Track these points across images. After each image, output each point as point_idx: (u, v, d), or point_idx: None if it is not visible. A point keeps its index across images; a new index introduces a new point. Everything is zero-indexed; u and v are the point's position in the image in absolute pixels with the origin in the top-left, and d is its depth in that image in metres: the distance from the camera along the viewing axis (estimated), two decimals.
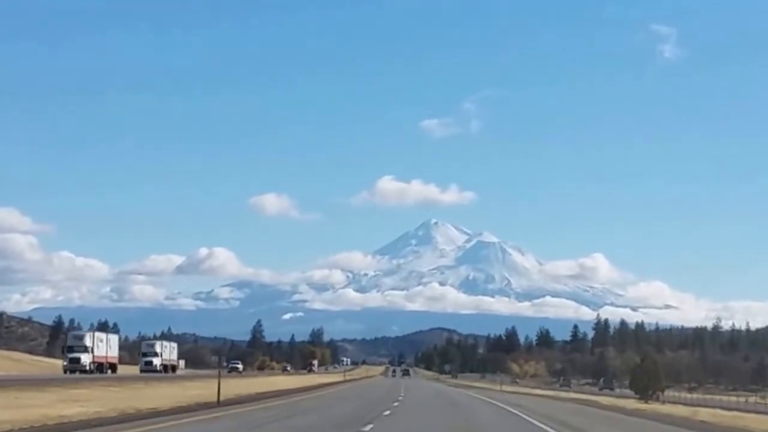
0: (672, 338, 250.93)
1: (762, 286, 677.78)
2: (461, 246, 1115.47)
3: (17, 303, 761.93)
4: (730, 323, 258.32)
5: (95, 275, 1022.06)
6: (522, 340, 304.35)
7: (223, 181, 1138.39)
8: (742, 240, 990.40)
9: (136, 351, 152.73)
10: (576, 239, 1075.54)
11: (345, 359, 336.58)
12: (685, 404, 73.08)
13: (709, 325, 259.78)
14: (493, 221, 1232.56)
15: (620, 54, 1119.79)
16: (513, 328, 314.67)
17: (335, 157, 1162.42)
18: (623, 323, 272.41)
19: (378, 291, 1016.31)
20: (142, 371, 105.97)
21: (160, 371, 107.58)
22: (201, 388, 40.08)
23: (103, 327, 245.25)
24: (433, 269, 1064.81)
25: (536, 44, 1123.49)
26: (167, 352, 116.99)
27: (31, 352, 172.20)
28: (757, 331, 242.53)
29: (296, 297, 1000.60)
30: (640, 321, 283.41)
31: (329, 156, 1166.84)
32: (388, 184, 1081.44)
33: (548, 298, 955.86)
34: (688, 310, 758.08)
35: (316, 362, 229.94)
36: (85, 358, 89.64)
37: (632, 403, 65.46)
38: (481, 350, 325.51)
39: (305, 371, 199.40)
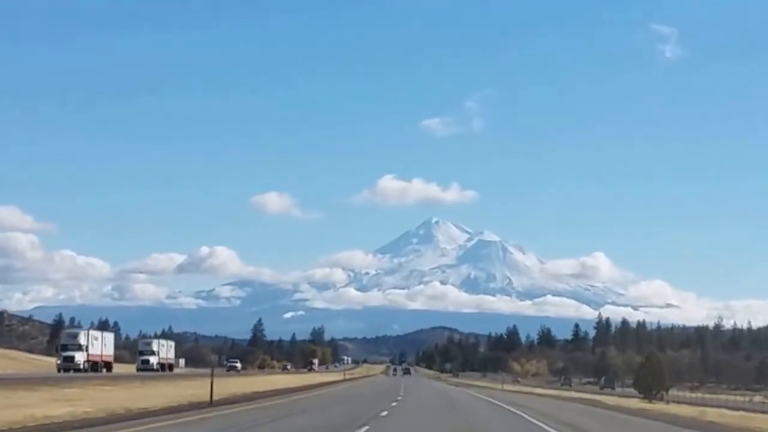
0: (673, 337, 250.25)
1: (763, 285, 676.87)
2: (462, 245, 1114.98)
3: (18, 302, 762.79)
4: (731, 322, 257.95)
5: (96, 274, 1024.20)
6: (523, 339, 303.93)
7: (224, 180, 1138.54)
8: (744, 239, 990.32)
9: (136, 350, 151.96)
10: (577, 238, 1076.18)
11: (346, 358, 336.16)
12: (689, 404, 72.18)
13: (711, 324, 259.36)
14: (494, 220, 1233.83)
15: (621, 54, 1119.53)
16: (514, 326, 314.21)
17: (336, 156, 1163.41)
18: (625, 322, 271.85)
19: (379, 290, 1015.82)
20: (138, 370, 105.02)
21: (156, 370, 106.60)
22: (197, 388, 39.30)
23: (104, 326, 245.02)
24: (435, 268, 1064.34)
25: (537, 44, 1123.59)
26: (164, 350, 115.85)
27: (31, 351, 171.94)
28: (759, 330, 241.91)
29: (297, 296, 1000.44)
30: (641, 320, 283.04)
31: (330, 155, 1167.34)
32: (389, 182, 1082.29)
33: (549, 297, 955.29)
34: (689, 309, 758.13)
35: (316, 361, 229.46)
36: (80, 357, 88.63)
37: (636, 403, 64.46)
38: (482, 349, 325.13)
39: (306, 370, 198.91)
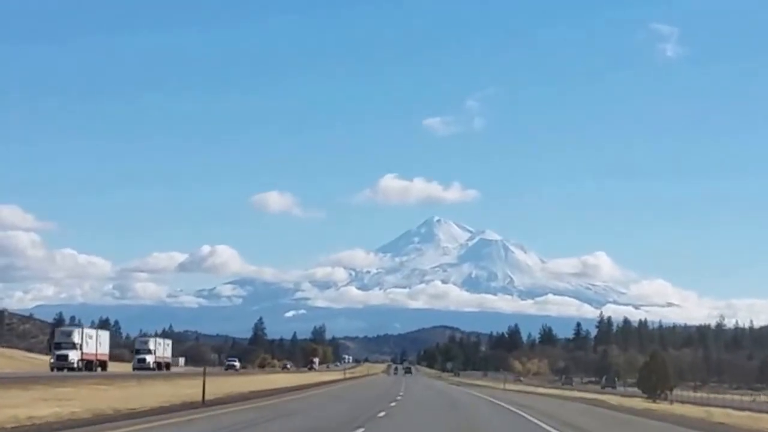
0: (675, 336, 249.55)
1: (765, 284, 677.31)
2: (464, 244, 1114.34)
3: (20, 300, 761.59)
4: (733, 321, 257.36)
5: (98, 273, 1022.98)
6: (524, 338, 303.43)
7: (226, 179, 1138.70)
8: (745, 238, 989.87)
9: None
10: (578, 237, 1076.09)
11: (347, 357, 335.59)
12: (694, 404, 71.23)
13: (713, 323, 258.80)
14: (495, 219, 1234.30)
15: (622, 53, 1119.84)
16: (515, 325, 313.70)
17: (338, 155, 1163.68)
18: (626, 321, 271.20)
19: (380, 289, 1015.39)
20: (135, 369, 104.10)
21: (153, 369, 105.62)
22: (193, 387, 38.52)
23: (105, 324, 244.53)
24: (436, 267, 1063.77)
25: (538, 43, 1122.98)
26: (161, 349, 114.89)
27: (31, 350, 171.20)
28: (761, 329, 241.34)
29: (299, 295, 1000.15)
30: (643, 319, 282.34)
31: (332, 154, 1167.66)
32: (390, 182, 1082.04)
33: (551, 296, 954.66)
34: (690, 308, 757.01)
35: (316, 360, 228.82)
36: (73, 356, 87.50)
37: (640, 403, 63.15)
38: (483, 348, 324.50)
39: (306, 369, 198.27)
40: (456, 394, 68.95)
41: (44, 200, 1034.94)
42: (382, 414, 34.26)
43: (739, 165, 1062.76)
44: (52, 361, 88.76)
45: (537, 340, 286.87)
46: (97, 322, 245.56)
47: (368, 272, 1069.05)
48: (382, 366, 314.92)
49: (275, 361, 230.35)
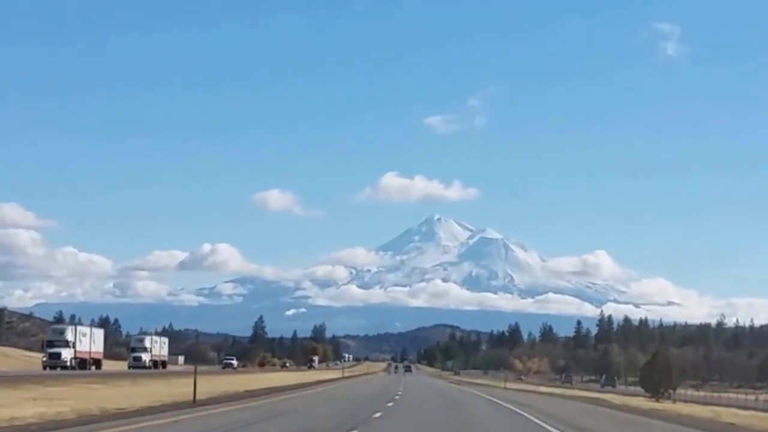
0: (675, 335, 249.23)
1: (765, 283, 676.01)
2: (464, 242, 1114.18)
3: (20, 299, 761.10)
4: (734, 320, 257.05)
5: (98, 271, 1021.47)
6: (525, 336, 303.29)
7: (227, 177, 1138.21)
8: (745, 237, 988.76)
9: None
10: (579, 236, 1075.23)
11: (347, 355, 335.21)
12: (697, 403, 70.46)
13: (713, 321, 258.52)
14: (496, 217, 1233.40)
15: (624, 52, 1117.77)
16: (516, 324, 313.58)
17: (339, 154, 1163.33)
18: (627, 320, 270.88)
19: (381, 287, 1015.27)
20: (130, 367, 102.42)
21: (149, 367, 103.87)
22: (188, 386, 37.81)
23: (105, 323, 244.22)
24: (436, 265, 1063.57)
25: (540, 42, 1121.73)
26: (157, 347, 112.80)
27: (30, 348, 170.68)
28: (762, 327, 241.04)
29: (299, 293, 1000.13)
30: (643, 318, 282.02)
31: (333, 152, 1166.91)
32: (391, 180, 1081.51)
33: (551, 295, 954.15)
34: (691, 306, 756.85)
35: (316, 358, 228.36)
36: (66, 354, 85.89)
37: (644, 402, 61.85)
38: (483, 347, 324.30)
39: (306, 368, 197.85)
40: (456, 393, 67.97)
41: (45, 198, 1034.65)
42: (378, 415, 33.26)
43: (740, 164, 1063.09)
44: (44, 359, 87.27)
45: (537, 339, 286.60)
46: (97, 320, 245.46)
47: (369, 271, 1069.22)
48: (383, 364, 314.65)
49: (275, 360, 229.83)
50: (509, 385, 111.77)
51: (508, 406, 46.01)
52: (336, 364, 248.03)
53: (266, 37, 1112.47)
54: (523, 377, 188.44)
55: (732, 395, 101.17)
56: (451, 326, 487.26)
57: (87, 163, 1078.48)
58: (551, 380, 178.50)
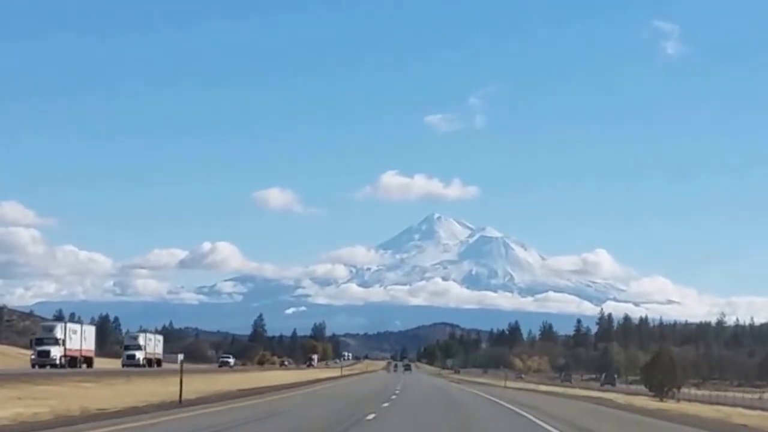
0: (676, 333, 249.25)
1: (765, 282, 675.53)
2: (464, 241, 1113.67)
3: (20, 297, 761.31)
4: (734, 319, 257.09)
5: (98, 269, 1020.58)
6: (525, 335, 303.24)
7: (227, 176, 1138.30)
8: (745, 235, 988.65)
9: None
10: (578, 234, 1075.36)
11: (347, 354, 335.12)
12: (702, 402, 69.65)
13: (713, 320, 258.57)
14: (496, 216, 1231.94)
15: (623, 50, 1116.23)
16: (516, 323, 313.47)
17: (339, 152, 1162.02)
18: (627, 318, 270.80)
19: (381, 286, 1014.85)
20: (124, 365, 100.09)
21: (143, 366, 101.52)
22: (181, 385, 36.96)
23: (105, 321, 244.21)
24: (436, 264, 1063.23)
25: (540, 41, 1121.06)
26: (152, 345, 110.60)
27: (29, 347, 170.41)
28: (762, 326, 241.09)
29: (299, 291, 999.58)
30: (643, 316, 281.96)
31: (333, 150, 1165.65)
32: (391, 178, 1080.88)
33: (551, 293, 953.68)
34: (690, 305, 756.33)
35: (315, 357, 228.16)
36: (56, 352, 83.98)
37: (648, 402, 60.68)
38: (483, 345, 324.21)
39: (305, 366, 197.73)
40: (455, 392, 66.70)
41: (45, 197, 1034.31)
42: (371, 416, 31.61)
43: (740, 162, 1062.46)
44: (33, 357, 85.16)
45: (537, 337, 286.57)
46: (97, 318, 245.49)
47: (369, 269, 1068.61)
48: (382, 363, 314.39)
49: (275, 358, 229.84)
50: (509, 383, 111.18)
51: (509, 406, 44.32)
52: (335, 362, 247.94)
53: (266, 36, 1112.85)
54: (523, 376, 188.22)
55: (735, 394, 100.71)
56: (451, 325, 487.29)
57: (87, 162, 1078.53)
58: (551, 379, 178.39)
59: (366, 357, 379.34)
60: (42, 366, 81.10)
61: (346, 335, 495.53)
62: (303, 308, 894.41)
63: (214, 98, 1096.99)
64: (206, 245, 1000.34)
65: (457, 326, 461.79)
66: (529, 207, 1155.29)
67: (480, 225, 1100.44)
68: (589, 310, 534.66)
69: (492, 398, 55.09)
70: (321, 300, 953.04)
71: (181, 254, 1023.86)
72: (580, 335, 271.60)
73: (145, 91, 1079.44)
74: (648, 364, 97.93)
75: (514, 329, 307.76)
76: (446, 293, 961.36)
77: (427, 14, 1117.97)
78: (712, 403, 66.85)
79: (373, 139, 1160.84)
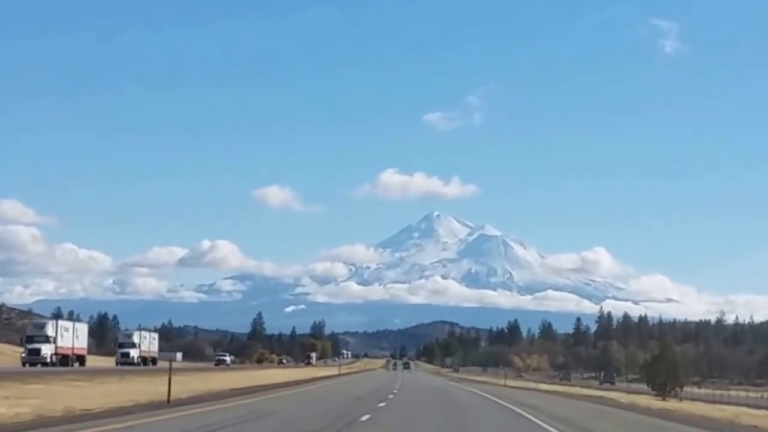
0: (675, 332, 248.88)
1: (764, 280, 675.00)
2: (463, 239, 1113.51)
3: (20, 295, 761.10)
4: (733, 317, 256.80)
5: (98, 267, 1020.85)
6: (524, 333, 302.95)
7: (226, 174, 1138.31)
8: (744, 234, 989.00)
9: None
10: (578, 233, 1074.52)
11: (346, 352, 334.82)
12: (705, 402, 68.82)
13: (713, 318, 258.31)
14: (495, 214, 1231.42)
15: (622, 49, 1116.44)
16: (515, 321, 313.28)
17: (338, 150, 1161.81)
18: (626, 317, 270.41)
19: (380, 284, 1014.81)
20: (118, 364, 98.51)
21: (138, 364, 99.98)
22: (175, 384, 36.02)
23: (104, 319, 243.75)
24: (436, 262, 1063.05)
25: (539, 39, 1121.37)
26: (146, 343, 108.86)
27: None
28: (761, 324, 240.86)
29: (299, 290, 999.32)
30: (642, 314, 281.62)
31: (332, 148, 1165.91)
32: (390, 176, 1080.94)
33: (550, 292, 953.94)
34: (689, 303, 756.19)
35: (314, 355, 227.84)
36: (46, 350, 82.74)
37: (653, 401, 59.31)
38: (483, 344, 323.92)
39: (304, 364, 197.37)
40: (455, 391, 64.65)
41: (45, 195, 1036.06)
42: (365, 418, 30.33)
43: (738, 161, 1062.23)
44: (23, 355, 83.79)
45: (536, 336, 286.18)
46: (96, 317, 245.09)
47: (368, 267, 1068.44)
48: (381, 361, 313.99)
49: (273, 357, 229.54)
50: (509, 382, 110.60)
51: (510, 406, 42.86)
52: (334, 360, 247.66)
53: (266, 35, 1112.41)
54: (523, 374, 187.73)
55: (737, 393, 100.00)
56: (451, 323, 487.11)
57: (87, 160, 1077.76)
58: (550, 377, 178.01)
59: (365, 355, 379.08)
60: (33, 364, 79.81)
61: (346, 333, 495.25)
62: (302, 306, 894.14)
63: (214, 97, 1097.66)
64: (206, 243, 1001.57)
65: (457, 324, 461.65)
66: (529, 205, 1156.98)
67: (479, 223, 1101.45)
68: (589, 308, 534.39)
69: (493, 398, 53.49)
70: (320, 298, 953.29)
71: (181, 252, 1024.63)
72: (579, 333, 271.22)
73: (145, 90, 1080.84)
74: (650, 362, 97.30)
75: (514, 327, 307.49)
76: (445, 291, 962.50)
77: (426, 13, 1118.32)
78: (715, 403, 66.25)
79: (373, 138, 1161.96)
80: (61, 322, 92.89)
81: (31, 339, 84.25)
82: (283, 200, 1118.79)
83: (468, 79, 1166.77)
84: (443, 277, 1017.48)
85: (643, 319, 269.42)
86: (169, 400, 33.90)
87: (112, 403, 30.96)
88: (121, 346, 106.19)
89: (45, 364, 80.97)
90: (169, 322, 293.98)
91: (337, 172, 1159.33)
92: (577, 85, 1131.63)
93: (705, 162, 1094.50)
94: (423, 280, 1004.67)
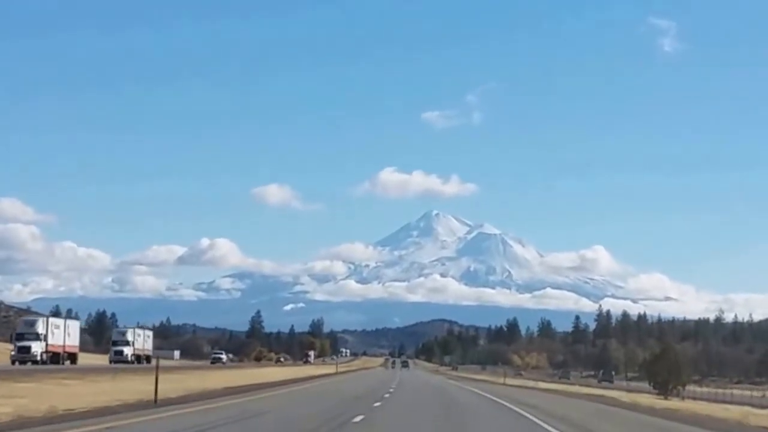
0: (674, 330, 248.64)
1: (763, 278, 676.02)
2: (462, 237, 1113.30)
3: (19, 293, 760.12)
4: (732, 315, 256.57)
5: (97, 265, 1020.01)
6: (523, 331, 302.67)
7: (226, 172, 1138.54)
8: (743, 232, 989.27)
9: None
10: (577, 231, 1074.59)
11: (345, 350, 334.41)
12: (707, 401, 68.38)
13: (712, 317, 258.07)
14: (494, 213, 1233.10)
15: (621, 48, 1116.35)
16: (514, 319, 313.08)
17: (337, 148, 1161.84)
18: (625, 315, 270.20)
19: (379, 282, 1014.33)
20: (111, 362, 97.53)
21: (131, 362, 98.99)
22: (167, 383, 35.20)
23: (103, 317, 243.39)
24: (435, 261, 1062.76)
25: (537, 38, 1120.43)
26: (140, 340, 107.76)
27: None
28: (760, 322, 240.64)
29: (298, 288, 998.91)
30: (641, 313, 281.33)
31: (331, 147, 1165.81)
32: (389, 175, 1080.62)
33: (549, 290, 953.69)
34: (688, 302, 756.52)
35: (312, 353, 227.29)
36: (37, 347, 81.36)
37: (655, 400, 58.46)
38: (482, 342, 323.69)
39: (302, 362, 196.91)
40: (453, 390, 63.98)
41: (44, 193, 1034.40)
42: (359, 419, 29.38)
43: (738, 159, 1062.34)
44: (12, 353, 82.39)
45: (535, 334, 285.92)
46: (95, 315, 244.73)
47: (367, 266, 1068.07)
48: (380, 359, 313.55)
49: (272, 355, 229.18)
50: (508, 380, 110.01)
51: (510, 406, 41.69)
52: (333, 359, 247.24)
53: (264, 33, 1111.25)
54: (522, 373, 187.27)
55: (737, 392, 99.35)
56: (449, 321, 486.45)
57: (86, 158, 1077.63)
58: (550, 375, 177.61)
59: (364, 353, 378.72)
60: (22, 362, 78.56)
61: (344, 332, 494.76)
62: (301, 305, 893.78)
63: (213, 95, 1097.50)
64: (205, 242, 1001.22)
65: (456, 323, 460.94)
66: (528, 204, 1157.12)
67: (478, 222, 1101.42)
68: (588, 306, 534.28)
69: (493, 397, 52.28)
70: (319, 296, 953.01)
71: (180, 251, 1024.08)
72: (578, 332, 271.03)
73: (144, 88, 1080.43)
74: (651, 360, 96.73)
75: (513, 326, 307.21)
76: (444, 290, 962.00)
77: (424, 12, 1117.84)
78: (717, 402, 65.71)
79: (371, 136, 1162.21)
80: (52, 320, 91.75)
81: (21, 336, 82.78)
82: (282, 198, 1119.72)
83: (467, 77, 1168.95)
84: (442, 275, 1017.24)
85: (642, 318, 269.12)
86: (156, 400, 32.88)
87: (98, 403, 30.20)
88: (115, 344, 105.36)
89: (35, 362, 79.68)
90: (168, 320, 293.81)
91: (336, 170, 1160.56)
92: (576, 84, 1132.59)
93: (704, 161, 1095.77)
94: (422, 279, 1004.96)
